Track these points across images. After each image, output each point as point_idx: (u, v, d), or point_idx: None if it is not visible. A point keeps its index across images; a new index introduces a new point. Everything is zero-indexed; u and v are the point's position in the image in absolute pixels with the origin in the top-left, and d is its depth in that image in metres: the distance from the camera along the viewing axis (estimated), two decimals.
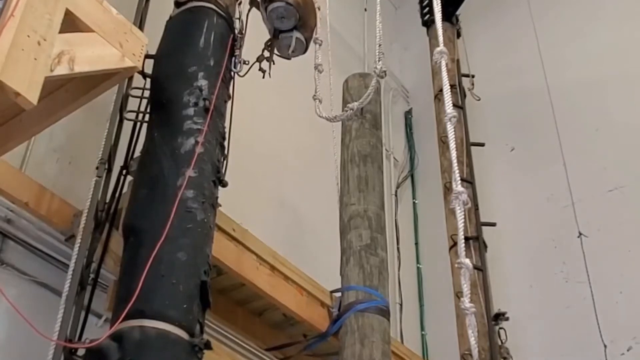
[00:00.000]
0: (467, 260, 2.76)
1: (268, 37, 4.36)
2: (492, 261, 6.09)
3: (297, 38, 4.27)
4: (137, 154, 3.92)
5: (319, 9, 4.39)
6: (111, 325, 3.00)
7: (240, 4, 4.34)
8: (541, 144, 7.28)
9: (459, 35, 7.53)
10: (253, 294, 4.65)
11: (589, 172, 6.75)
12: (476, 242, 5.86)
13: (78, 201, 4.04)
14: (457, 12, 7.54)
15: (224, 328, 4.78)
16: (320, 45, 4.47)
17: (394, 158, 8.19)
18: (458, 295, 5.34)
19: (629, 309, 5.95)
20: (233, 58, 4.06)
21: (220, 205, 3.74)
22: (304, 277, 4.88)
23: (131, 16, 4.31)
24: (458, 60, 7.18)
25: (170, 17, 4.12)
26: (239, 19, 4.27)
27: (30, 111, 2.64)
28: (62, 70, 2.67)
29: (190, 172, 3.38)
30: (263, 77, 4.41)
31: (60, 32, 2.68)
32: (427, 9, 7.62)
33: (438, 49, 3.34)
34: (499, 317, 5.69)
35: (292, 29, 4.26)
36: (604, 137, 6.85)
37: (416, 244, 7.86)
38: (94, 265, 3.81)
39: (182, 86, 3.69)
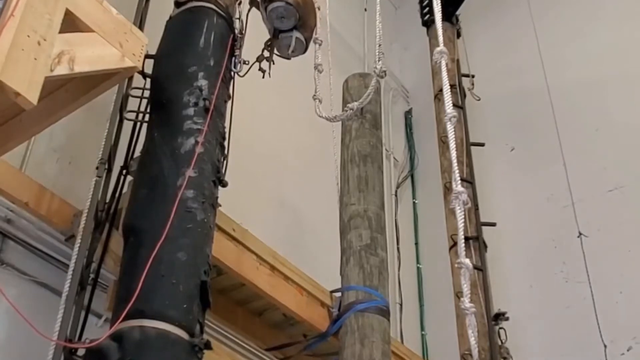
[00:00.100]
0: (467, 260, 2.76)
1: (268, 37, 4.36)
2: (492, 261, 6.09)
3: (296, 38, 4.27)
4: (137, 154, 3.93)
5: (318, 8, 4.39)
6: (111, 325, 3.00)
7: (240, 4, 4.34)
8: (541, 144, 7.28)
9: (459, 35, 7.53)
10: (253, 294, 4.65)
11: (589, 172, 6.75)
12: (476, 242, 5.86)
13: (78, 201, 4.04)
14: (457, 12, 7.54)
15: (224, 328, 4.78)
16: (320, 45, 4.47)
17: (394, 158, 8.19)
18: (458, 295, 5.34)
19: (629, 309, 5.95)
20: (233, 58, 4.07)
21: (220, 205, 3.74)
22: (304, 277, 4.88)
23: (131, 16, 4.31)
24: (458, 60, 7.18)
25: (170, 17, 4.12)
26: (239, 19, 4.27)
27: (30, 111, 2.64)
28: (62, 70, 2.67)
29: (190, 172, 3.38)
30: (263, 77, 4.41)
31: (60, 32, 2.68)
32: (427, 9, 7.62)
33: (438, 49, 3.34)
34: (499, 317, 5.69)
35: (292, 28, 4.26)
36: (604, 137, 6.85)
37: (416, 244, 7.86)
38: (94, 265, 3.81)
39: (182, 86, 3.69)
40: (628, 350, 5.82)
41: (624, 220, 6.35)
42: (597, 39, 7.40)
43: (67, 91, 3.04)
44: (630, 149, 6.62)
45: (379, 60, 4.03)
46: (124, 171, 4.03)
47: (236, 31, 4.19)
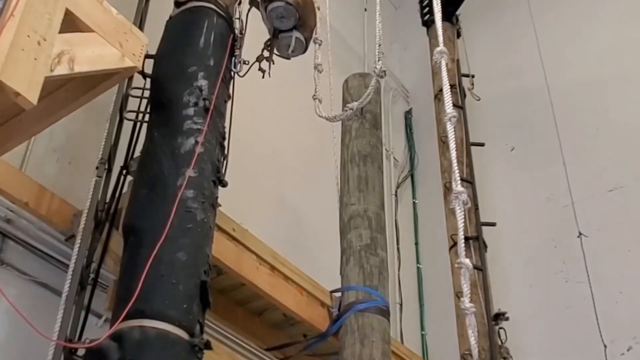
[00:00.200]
0: (467, 260, 2.76)
1: (268, 37, 4.36)
2: (492, 261, 6.09)
3: (296, 38, 4.27)
4: (137, 154, 3.93)
5: (318, 8, 4.39)
6: (111, 325, 3.00)
7: (240, 3, 4.33)
8: (541, 144, 7.28)
9: (459, 35, 7.53)
10: (253, 294, 4.65)
11: (589, 172, 6.75)
12: (476, 242, 5.87)
13: (78, 201, 4.04)
14: (457, 12, 7.54)
15: (224, 328, 4.78)
16: (320, 45, 4.47)
17: (394, 158, 8.19)
18: (458, 295, 5.34)
19: (629, 309, 5.95)
20: (233, 58, 4.06)
21: (220, 205, 3.74)
22: (304, 277, 4.88)
23: (131, 16, 4.32)
24: (458, 60, 7.18)
25: (170, 17, 4.12)
26: (239, 19, 4.27)
27: (30, 111, 2.64)
28: (62, 70, 2.67)
29: (190, 172, 3.38)
30: (263, 77, 4.41)
31: (60, 32, 2.68)
32: (427, 9, 7.62)
33: (438, 48, 3.34)
34: (499, 317, 5.69)
35: (292, 28, 4.26)
36: (604, 137, 6.85)
37: (416, 244, 7.86)
38: (94, 265, 3.81)
39: (182, 86, 3.69)
40: (628, 350, 5.82)
41: (624, 220, 6.35)
42: (597, 39, 7.40)
43: (67, 91, 3.04)
44: (630, 149, 6.62)
45: (379, 60, 4.03)
46: (124, 171, 4.04)
47: (236, 31, 4.18)
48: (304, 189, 6.44)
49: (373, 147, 4.92)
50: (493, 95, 7.60)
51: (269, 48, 4.39)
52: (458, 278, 4.76)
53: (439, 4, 3.66)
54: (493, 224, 6.18)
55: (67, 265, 3.64)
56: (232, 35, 4.12)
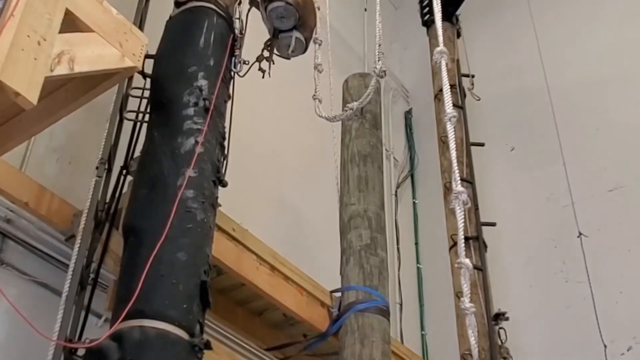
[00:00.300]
0: (467, 260, 2.76)
1: (268, 37, 4.36)
2: (492, 261, 6.09)
3: (296, 38, 4.27)
4: (137, 154, 3.93)
5: (318, 8, 4.39)
6: (111, 325, 3.00)
7: (240, 3, 4.33)
8: (541, 144, 7.28)
9: (459, 35, 7.53)
10: (253, 294, 4.65)
11: (589, 172, 6.75)
12: (476, 242, 5.87)
13: (78, 201, 4.04)
14: (457, 12, 7.54)
15: (224, 328, 4.78)
16: (320, 45, 4.47)
17: (394, 158, 8.19)
18: (458, 295, 5.34)
19: (629, 309, 5.95)
20: (233, 58, 4.06)
21: (220, 205, 3.74)
22: (304, 277, 4.88)
23: (131, 16, 4.32)
24: (458, 60, 7.18)
25: (170, 17, 4.12)
26: (239, 18, 4.27)
27: (30, 111, 2.64)
28: (62, 70, 2.67)
29: (190, 172, 3.38)
30: (263, 77, 4.41)
31: (60, 32, 2.68)
32: (427, 8, 7.62)
33: (438, 48, 3.34)
34: (499, 317, 5.69)
35: (292, 28, 4.26)
36: (604, 137, 6.85)
37: (416, 244, 7.86)
38: (94, 265, 3.81)
39: (182, 86, 3.69)
40: (628, 350, 5.82)
41: (624, 220, 6.35)
42: (597, 39, 7.40)
43: (67, 91, 3.04)
44: (630, 149, 6.62)
45: (378, 60, 4.03)
46: (124, 171, 4.03)
47: (236, 31, 4.18)
48: (304, 189, 6.44)
49: (373, 147, 4.92)
50: (493, 95, 7.60)
51: (269, 48, 4.39)
52: (458, 278, 4.76)
53: (439, 4, 3.66)
54: (493, 224, 6.18)
55: (67, 265, 3.64)
56: (232, 35, 4.12)
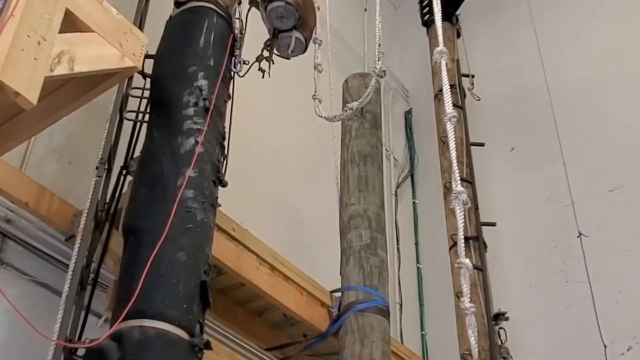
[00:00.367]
0: (467, 260, 2.76)
1: (268, 37, 4.36)
2: (492, 261, 6.09)
3: (296, 38, 4.27)
4: (137, 154, 3.93)
5: (318, 8, 4.39)
6: (111, 325, 3.00)
7: (240, 3, 4.34)
8: (541, 144, 7.28)
9: (459, 35, 7.53)
10: (253, 294, 4.65)
11: (589, 172, 6.75)
12: (476, 242, 5.86)
13: (78, 201, 4.04)
14: (457, 12, 7.54)
15: (224, 328, 4.78)
16: (319, 45, 4.47)
17: (394, 158, 8.19)
18: (458, 295, 5.34)
19: (629, 309, 5.95)
20: (233, 58, 4.06)
21: (220, 205, 3.74)
22: (304, 277, 4.88)
23: (131, 16, 4.32)
24: (458, 60, 7.18)
25: (170, 17, 4.12)
26: (239, 18, 4.27)
27: (30, 111, 2.64)
28: (62, 70, 2.67)
29: (190, 172, 3.38)
30: (262, 77, 4.41)
31: (60, 32, 2.68)
32: (427, 8, 7.62)
33: (438, 48, 3.34)
34: (499, 317, 5.69)
35: (292, 28, 4.26)
36: (604, 137, 6.85)
37: (416, 244, 7.86)
38: (94, 265, 3.81)
39: (182, 86, 3.69)
40: (628, 350, 5.82)
41: (624, 220, 6.35)
42: (597, 39, 7.40)
43: (67, 91, 3.04)
44: (630, 149, 6.62)
45: (379, 60, 4.03)
46: (124, 171, 4.03)
47: (236, 31, 4.18)
48: (304, 189, 6.44)
49: (373, 147, 4.92)
50: (493, 95, 7.60)
51: (269, 48, 4.39)
52: (458, 278, 4.76)
53: (439, 4, 3.66)
54: (493, 224, 6.18)
55: (67, 265, 3.64)
56: (232, 35, 4.12)
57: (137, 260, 3.10)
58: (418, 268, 7.67)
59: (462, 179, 4.78)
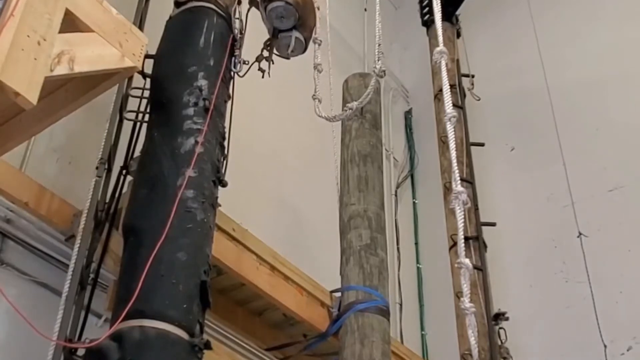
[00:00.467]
0: (467, 260, 2.76)
1: (268, 37, 4.36)
2: (492, 261, 6.09)
3: (296, 38, 4.27)
4: (137, 154, 3.93)
5: (318, 8, 4.39)
6: (111, 325, 3.00)
7: (240, 3, 4.34)
8: (541, 144, 7.28)
9: (459, 35, 7.53)
10: (253, 294, 4.65)
11: (589, 172, 6.75)
12: (476, 242, 5.86)
13: (78, 201, 4.04)
14: (457, 12, 7.54)
15: (224, 328, 4.78)
16: (319, 45, 4.47)
17: (394, 158, 8.19)
18: (458, 295, 5.34)
19: (629, 309, 5.95)
20: (233, 58, 4.06)
21: (220, 205, 3.74)
22: (304, 277, 4.88)
23: (131, 16, 4.32)
24: (458, 60, 7.18)
25: (170, 17, 4.12)
26: (239, 18, 4.27)
27: (30, 111, 2.64)
28: (62, 70, 2.67)
29: (190, 172, 3.38)
30: (262, 76, 4.41)
31: (60, 32, 2.68)
32: (427, 8, 7.62)
33: (438, 48, 3.34)
34: (499, 317, 5.69)
35: (292, 28, 4.26)
36: (604, 137, 6.86)
37: (416, 244, 7.86)
38: (94, 265, 3.81)
39: (182, 86, 3.69)
40: (628, 350, 5.82)
41: (624, 220, 6.35)
42: (597, 39, 7.40)
43: (67, 91, 3.04)
44: (630, 149, 6.62)
45: (378, 60, 4.03)
46: (124, 171, 4.03)
47: (236, 31, 4.18)
48: (304, 189, 6.44)
49: (373, 147, 4.92)
50: (493, 95, 7.60)
51: (269, 48, 4.39)
52: (458, 278, 4.77)
53: (439, 4, 3.66)
54: (493, 224, 6.18)
55: (67, 265, 3.64)
56: (232, 35, 4.12)
57: (137, 260, 3.10)
58: (418, 268, 7.67)
59: (462, 179, 4.78)
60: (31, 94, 2.47)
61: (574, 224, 6.52)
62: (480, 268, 5.66)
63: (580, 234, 6.47)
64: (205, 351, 3.11)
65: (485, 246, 5.98)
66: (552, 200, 6.92)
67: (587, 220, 6.51)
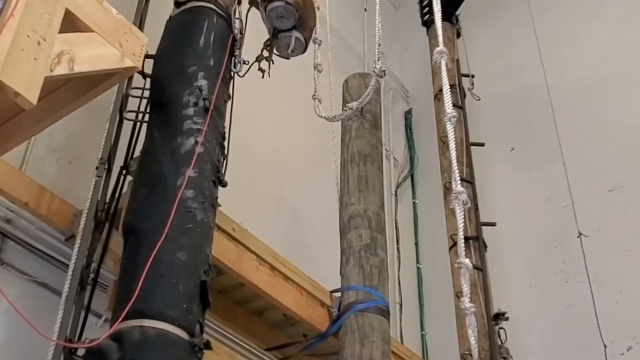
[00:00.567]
0: (467, 260, 2.76)
1: (268, 37, 4.36)
2: (492, 261, 6.09)
3: (296, 38, 4.27)
4: (137, 154, 3.93)
5: (318, 8, 4.39)
6: (111, 325, 3.00)
7: (240, 3, 4.34)
8: (541, 144, 7.28)
9: (458, 35, 7.53)
10: (253, 294, 4.65)
11: (589, 172, 6.75)
12: (476, 242, 5.86)
13: (78, 201, 4.04)
14: (457, 12, 7.54)
15: (224, 328, 4.78)
16: (319, 45, 4.47)
17: (394, 158, 8.19)
18: (458, 295, 5.35)
19: (629, 309, 5.95)
20: (233, 58, 4.06)
21: (220, 205, 3.74)
22: (304, 277, 4.88)
23: (131, 16, 4.32)
24: (458, 60, 7.18)
25: (170, 17, 4.12)
26: (239, 18, 4.27)
27: (30, 111, 2.64)
28: (62, 70, 2.67)
29: (190, 172, 3.38)
30: (262, 76, 4.41)
31: (60, 32, 2.68)
32: (427, 8, 7.62)
33: (438, 48, 3.34)
34: (499, 317, 5.69)
35: (292, 28, 4.26)
36: (604, 137, 6.86)
37: (416, 244, 7.86)
38: (94, 265, 3.81)
39: (182, 86, 3.69)
40: (628, 350, 5.82)
41: (624, 220, 6.35)
42: (597, 39, 7.40)
43: (67, 91, 3.05)
44: (630, 149, 6.62)
45: (378, 60, 4.03)
46: (124, 171, 4.03)
47: (236, 31, 4.18)
48: (304, 189, 6.44)
49: (373, 147, 4.92)
50: (493, 95, 7.61)
51: (269, 48, 4.39)
52: (458, 278, 4.76)
53: (439, 4, 3.66)
54: (493, 224, 6.18)
55: (67, 265, 3.64)
56: (232, 35, 4.12)
57: (137, 260, 3.10)
58: (418, 268, 7.67)
59: (462, 179, 4.78)
60: (31, 94, 2.47)
61: (574, 224, 6.52)
62: (480, 268, 5.66)
63: (580, 234, 6.47)
64: (205, 351, 3.11)
65: (485, 246, 5.98)
66: (552, 200, 6.92)
67: (587, 220, 6.51)
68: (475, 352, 2.79)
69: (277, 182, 6.23)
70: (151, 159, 3.51)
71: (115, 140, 4.10)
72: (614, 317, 5.97)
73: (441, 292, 6.54)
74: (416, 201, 8.16)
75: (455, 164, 3.06)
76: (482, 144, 6.77)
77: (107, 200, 3.95)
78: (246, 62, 4.19)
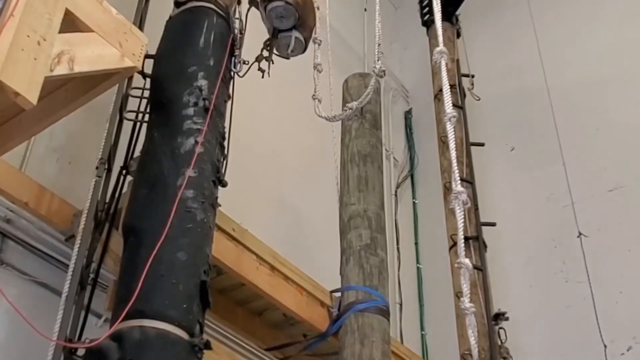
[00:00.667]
0: (467, 260, 2.76)
1: (267, 36, 4.36)
2: (492, 261, 6.09)
3: (296, 37, 4.27)
4: (137, 154, 3.93)
5: (318, 8, 4.39)
6: (111, 325, 3.00)
7: (240, 3, 4.34)
8: (541, 144, 7.28)
9: (458, 35, 7.53)
10: (253, 294, 4.65)
11: (589, 172, 6.75)
12: (476, 242, 5.86)
13: (78, 201, 4.04)
14: (457, 12, 7.54)
15: (224, 328, 4.78)
16: (319, 44, 4.47)
17: (394, 158, 8.19)
18: (458, 295, 5.34)
19: (629, 309, 5.95)
20: (233, 58, 4.06)
21: (220, 205, 3.74)
22: (304, 277, 4.88)
23: (131, 16, 4.32)
24: (458, 60, 7.18)
25: (170, 17, 4.12)
26: (239, 18, 4.27)
27: (30, 111, 2.64)
28: (62, 70, 2.67)
29: (190, 172, 3.38)
30: (262, 76, 4.41)
31: (60, 32, 2.68)
32: (427, 8, 7.62)
33: (438, 48, 3.34)
34: (499, 317, 5.69)
35: (291, 28, 4.26)
36: (604, 137, 6.86)
37: (416, 244, 7.86)
38: (94, 265, 3.81)
39: (182, 86, 3.69)
40: (628, 350, 5.82)
41: (624, 220, 6.35)
42: (597, 39, 7.40)
43: (67, 91, 3.05)
44: (630, 149, 6.62)
45: (378, 60, 4.03)
46: (124, 171, 4.04)
47: (236, 31, 4.18)
48: (304, 189, 6.44)
49: (373, 147, 4.92)
50: (493, 95, 7.61)
51: (269, 48, 4.39)
52: (458, 278, 4.76)
53: (439, 4, 3.66)
54: (493, 224, 6.18)
55: (67, 265, 3.64)
56: (231, 35, 4.12)
57: (137, 260, 3.10)
58: (418, 268, 7.67)
59: (462, 179, 4.78)
60: (31, 94, 2.47)
61: (574, 224, 6.53)
62: (480, 268, 5.66)
63: (580, 234, 6.47)
64: (205, 351, 3.11)
65: (485, 246, 5.98)
66: (552, 200, 6.92)
67: (587, 220, 6.51)
68: (475, 352, 2.79)
69: (277, 182, 6.23)
70: (151, 159, 3.51)
71: (115, 140, 4.10)
72: (614, 317, 5.97)
73: (441, 292, 6.54)
74: (416, 201, 8.16)
75: (455, 164, 3.06)
76: (482, 144, 6.77)
77: (107, 200, 3.95)
78: (246, 62, 4.19)
